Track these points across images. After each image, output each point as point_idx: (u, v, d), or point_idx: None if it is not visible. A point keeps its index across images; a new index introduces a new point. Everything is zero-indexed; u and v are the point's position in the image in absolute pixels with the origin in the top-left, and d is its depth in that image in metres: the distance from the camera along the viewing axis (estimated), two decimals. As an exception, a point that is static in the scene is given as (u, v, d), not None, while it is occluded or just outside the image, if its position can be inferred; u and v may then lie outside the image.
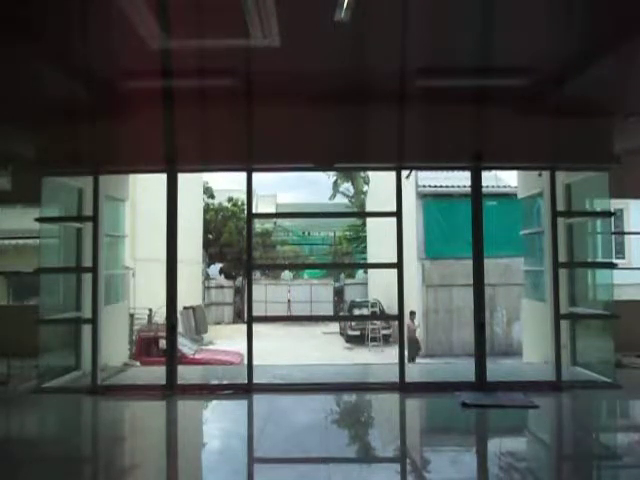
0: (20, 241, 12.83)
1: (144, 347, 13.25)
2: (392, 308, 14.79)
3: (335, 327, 22.80)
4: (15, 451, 4.84)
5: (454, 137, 6.45)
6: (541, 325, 7.50)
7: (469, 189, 6.82)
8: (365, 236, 28.65)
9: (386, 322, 19.28)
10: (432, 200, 17.40)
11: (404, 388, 6.43)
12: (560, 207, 7.01)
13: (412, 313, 15.10)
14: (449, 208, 16.69)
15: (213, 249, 29.33)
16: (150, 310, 15.97)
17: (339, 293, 27.62)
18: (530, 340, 8.67)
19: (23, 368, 7.05)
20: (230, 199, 30.28)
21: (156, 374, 6.69)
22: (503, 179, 17.00)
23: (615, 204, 7.78)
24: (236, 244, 28.61)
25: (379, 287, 21.44)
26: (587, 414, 6.10)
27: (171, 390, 6.37)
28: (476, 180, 6.72)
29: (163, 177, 6.73)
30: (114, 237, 8.10)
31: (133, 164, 6.95)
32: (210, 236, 29.09)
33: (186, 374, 7.08)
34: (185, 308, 19.10)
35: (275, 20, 4.27)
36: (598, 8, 4.37)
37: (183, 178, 6.81)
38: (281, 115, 6.22)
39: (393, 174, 6.75)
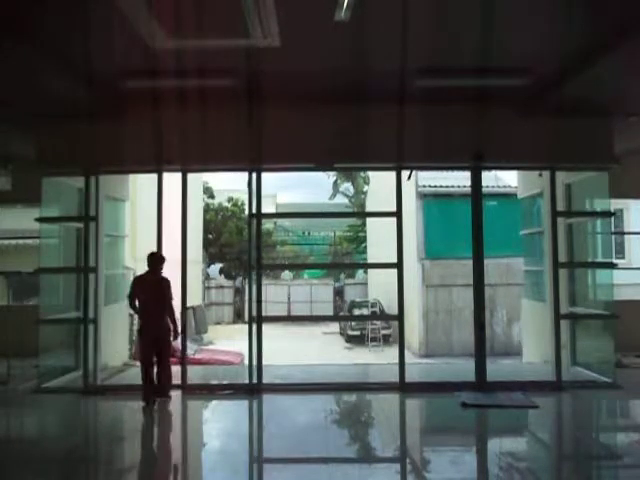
0: (20, 241, 12.82)
1: (144, 347, 13.21)
2: (392, 308, 14.77)
3: (335, 327, 22.76)
4: (15, 451, 4.84)
5: (454, 137, 6.45)
6: (541, 325, 7.51)
7: (469, 189, 6.83)
8: (365, 236, 28.61)
9: (386, 322, 19.24)
10: (432, 200, 17.38)
11: (404, 388, 6.44)
12: (560, 207, 7.02)
13: None
14: (449, 208, 16.65)
15: (213, 249, 29.30)
16: (150, 310, 15.93)
17: (339, 293, 27.57)
18: (530, 340, 8.68)
19: (23, 368, 7.05)
20: (230, 199, 30.24)
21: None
22: (503, 179, 16.97)
23: (615, 204, 7.78)
24: (236, 244, 28.58)
25: (379, 287, 21.41)
26: (587, 414, 6.10)
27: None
28: (476, 180, 6.72)
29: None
30: (114, 237, 8.10)
31: (134, 164, 6.94)
32: (210, 236, 29.05)
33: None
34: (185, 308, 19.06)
35: (275, 20, 4.27)
36: (597, 8, 4.37)
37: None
38: (281, 115, 6.23)
39: (393, 174, 6.77)
